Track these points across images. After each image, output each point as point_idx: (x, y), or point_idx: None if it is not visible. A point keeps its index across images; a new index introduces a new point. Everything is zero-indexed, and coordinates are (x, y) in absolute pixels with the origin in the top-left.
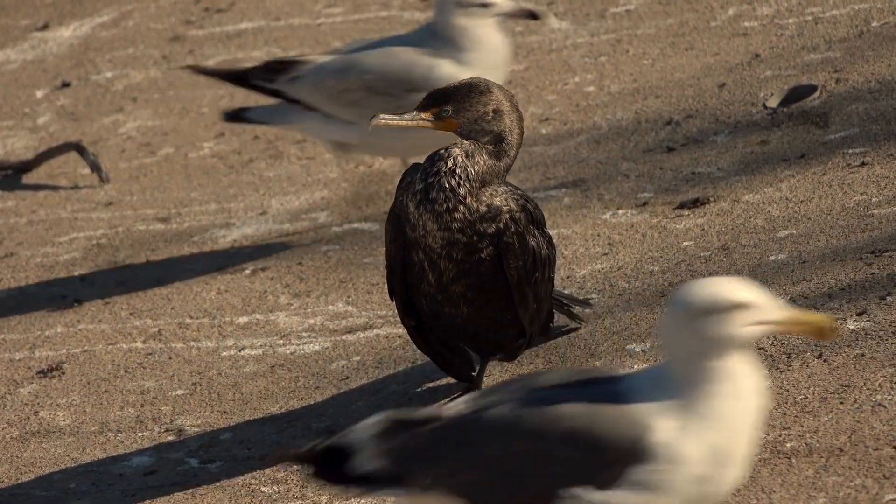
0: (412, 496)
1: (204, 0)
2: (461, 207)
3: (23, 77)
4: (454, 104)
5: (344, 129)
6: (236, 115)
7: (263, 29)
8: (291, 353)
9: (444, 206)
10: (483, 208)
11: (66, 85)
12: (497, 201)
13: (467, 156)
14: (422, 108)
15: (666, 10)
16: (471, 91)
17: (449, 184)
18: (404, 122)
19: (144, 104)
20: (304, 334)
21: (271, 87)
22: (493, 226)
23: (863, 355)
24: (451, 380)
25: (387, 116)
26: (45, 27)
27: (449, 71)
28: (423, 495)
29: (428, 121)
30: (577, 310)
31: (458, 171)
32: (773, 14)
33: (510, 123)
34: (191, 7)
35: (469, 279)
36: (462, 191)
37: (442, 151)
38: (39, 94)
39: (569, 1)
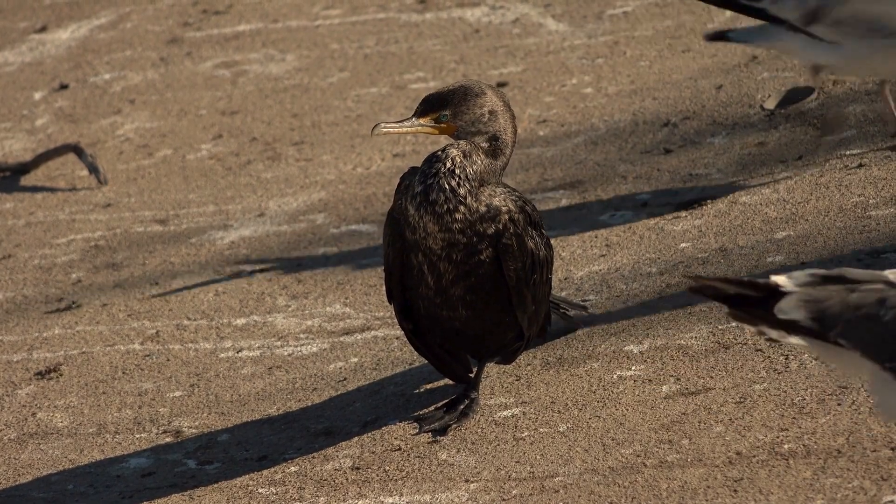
0: (827, 349)
1: (202, 2)
2: (461, 208)
3: (21, 79)
4: (452, 108)
5: (826, 50)
6: (719, 36)
7: (261, 31)
8: (289, 355)
9: (445, 206)
10: (483, 208)
11: (63, 87)
12: (496, 202)
13: (465, 156)
14: (419, 114)
15: (663, 12)
16: (466, 94)
17: (449, 184)
18: (404, 130)
19: (142, 106)
20: (301, 336)
21: (756, 6)
22: (493, 226)
23: None
24: (448, 381)
25: (388, 125)
26: (43, 29)
27: None
28: (838, 351)
29: (428, 126)
30: (573, 313)
31: (457, 171)
32: None
33: (504, 123)
34: (188, 9)
35: (468, 281)
36: (462, 191)
37: (439, 153)
38: (37, 95)
39: (566, 3)
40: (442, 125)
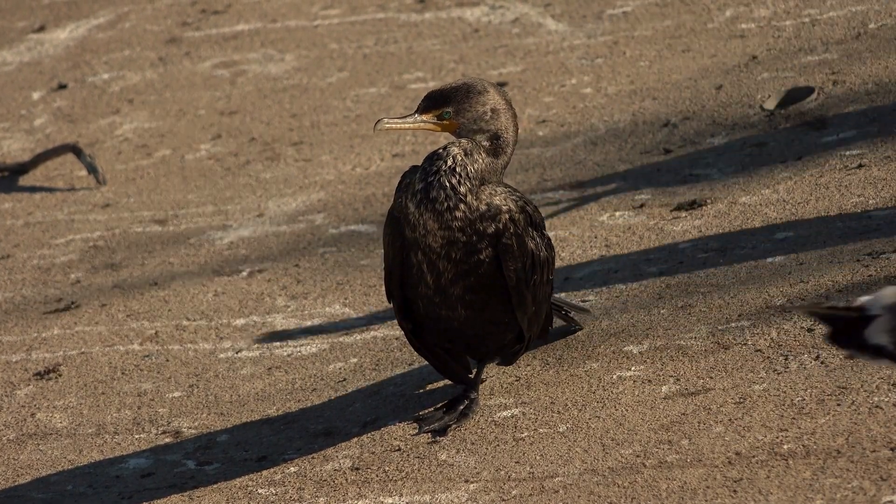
0: None
1: (200, 2)
2: (462, 206)
3: (19, 79)
4: (455, 105)
5: None
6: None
7: (260, 31)
8: (288, 355)
9: (445, 204)
10: (483, 207)
11: (62, 87)
12: (497, 200)
13: (466, 154)
14: (422, 110)
15: (663, 12)
16: (469, 92)
17: (449, 182)
18: (407, 126)
19: (141, 106)
20: (301, 336)
21: None
22: (493, 225)
23: None
24: (448, 382)
25: (390, 121)
26: (41, 29)
27: None
28: None
29: (430, 123)
30: (574, 314)
31: (458, 169)
32: (771, 16)
33: (506, 122)
34: (187, 9)
35: (467, 281)
36: (462, 189)
37: (440, 151)
38: (36, 95)
39: (566, 3)
40: (444, 122)
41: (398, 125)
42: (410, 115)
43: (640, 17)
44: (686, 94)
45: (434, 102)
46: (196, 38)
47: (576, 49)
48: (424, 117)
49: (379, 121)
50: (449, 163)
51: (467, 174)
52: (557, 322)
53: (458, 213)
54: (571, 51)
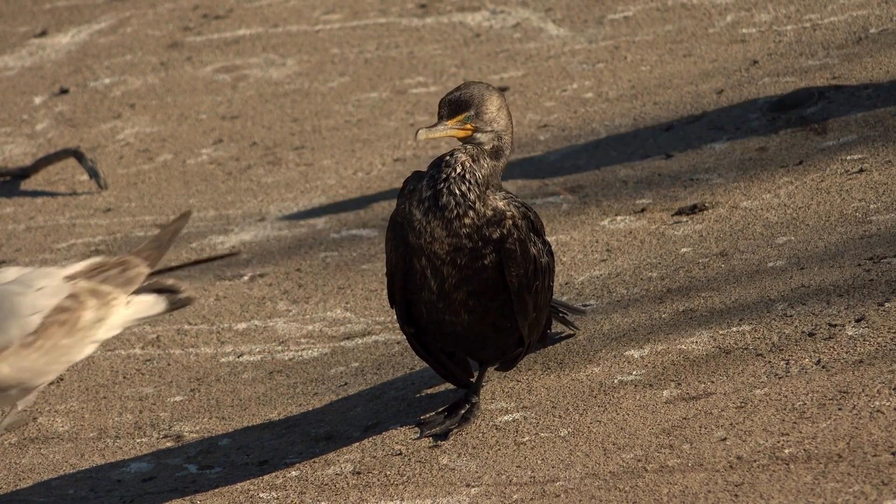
0: None
1: (202, 7)
2: (471, 213)
3: (21, 84)
4: (475, 109)
5: None
6: None
7: (261, 35)
8: (290, 360)
9: (455, 212)
10: (489, 212)
11: (64, 91)
12: (501, 205)
13: (474, 160)
14: (448, 116)
15: (664, 17)
16: (483, 94)
17: (460, 189)
18: (440, 134)
19: (142, 110)
20: (302, 340)
21: None
22: (497, 230)
23: (861, 361)
24: (449, 386)
25: (426, 130)
26: (43, 34)
27: None
28: None
29: (457, 128)
30: (571, 317)
31: (467, 175)
32: (772, 20)
33: (507, 123)
34: (189, 14)
35: (471, 286)
36: (472, 196)
37: (447, 157)
38: (38, 100)
39: (567, 7)
40: (468, 126)
41: (434, 134)
42: (439, 123)
43: (641, 22)
44: (687, 99)
45: (457, 108)
46: (197, 42)
47: (577, 54)
48: (451, 123)
49: (418, 131)
50: (458, 170)
51: (476, 180)
52: (556, 326)
53: (467, 220)
54: (572, 55)
